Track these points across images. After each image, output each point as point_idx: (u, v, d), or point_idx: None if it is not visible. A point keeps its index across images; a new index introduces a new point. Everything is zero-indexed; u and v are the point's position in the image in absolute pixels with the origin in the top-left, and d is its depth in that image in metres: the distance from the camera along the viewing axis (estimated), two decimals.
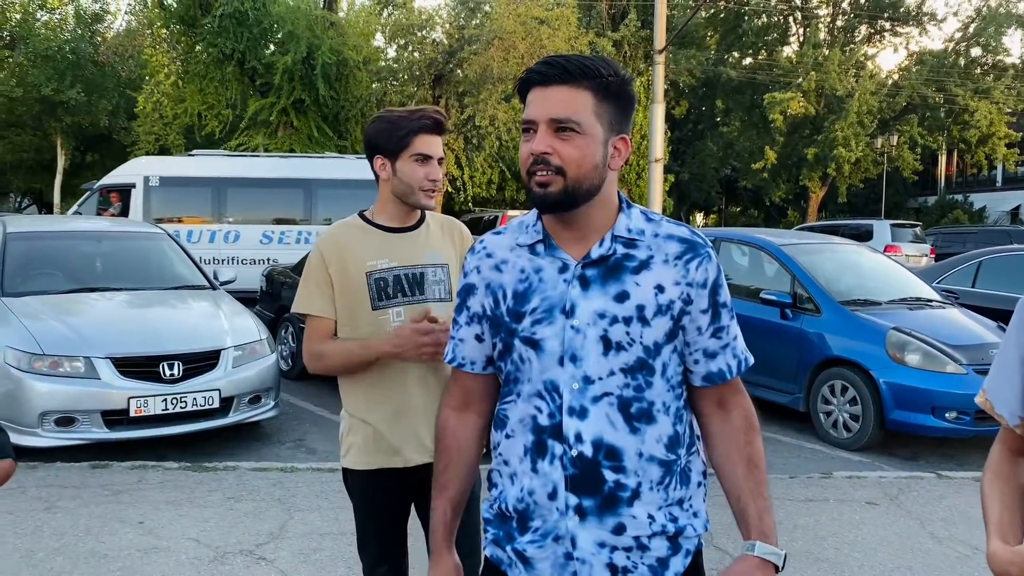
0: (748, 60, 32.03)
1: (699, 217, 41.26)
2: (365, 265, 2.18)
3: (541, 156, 1.43)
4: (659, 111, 18.29)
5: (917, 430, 5.91)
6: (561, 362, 1.46)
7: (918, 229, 20.85)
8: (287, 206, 13.51)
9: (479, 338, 1.58)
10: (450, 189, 24.09)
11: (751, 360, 1.58)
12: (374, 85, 23.47)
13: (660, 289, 1.47)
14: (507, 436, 1.54)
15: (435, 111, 2.24)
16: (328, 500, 4.53)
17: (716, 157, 33.21)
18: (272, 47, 21.29)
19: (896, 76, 29.70)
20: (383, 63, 23.74)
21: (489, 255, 1.57)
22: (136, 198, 12.87)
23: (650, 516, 1.47)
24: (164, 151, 23.71)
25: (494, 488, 1.59)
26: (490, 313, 1.55)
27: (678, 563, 1.50)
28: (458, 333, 1.61)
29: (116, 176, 13.52)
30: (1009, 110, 28.38)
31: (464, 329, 1.60)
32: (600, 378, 1.45)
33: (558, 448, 1.46)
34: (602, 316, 1.45)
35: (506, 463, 1.54)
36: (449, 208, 26.68)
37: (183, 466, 5.05)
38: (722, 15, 31.44)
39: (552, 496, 1.47)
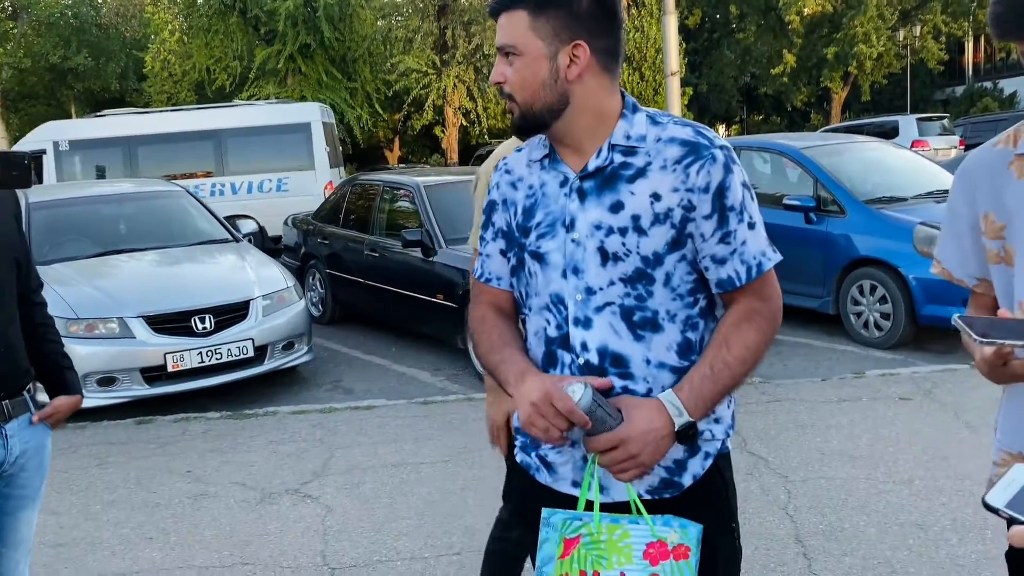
0: None
1: (721, 128, 40.47)
2: None
3: (497, 87, 1.48)
4: (672, 22, 17.76)
5: (950, 323, 5.85)
6: (564, 275, 1.48)
7: (945, 121, 20.29)
8: (198, 160, 13.21)
9: (503, 253, 1.60)
10: (464, 122, 23.86)
11: (767, 265, 1.48)
12: (379, 22, 23.09)
13: (656, 197, 1.43)
14: (528, 350, 1.57)
15: None
16: (368, 436, 4.65)
17: (734, 65, 32.37)
18: None
19: None
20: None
21: (508, 171, 1.60)
22: (48, 164, 12.62)
23: None
24: (177, 108, 23.68)
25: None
26: (507, 228, 1.58)
27: (696, 465, 1.50)
28: (485, 249, 1.63)
29: (26, 143, 13.20)
30: None
31: (491, 245, 1.62)
32: (601, 288, 1.46)
33: (567, 357, 1.49)
34: (598, 227, 1.45)
35: None
36: (466, 142, 26.47)
37: (224, 415, 5.19)
38: None
39: None
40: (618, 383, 1.46)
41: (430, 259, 6.33)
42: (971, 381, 4.99)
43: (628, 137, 1.46)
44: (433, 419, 4.90)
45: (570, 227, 1.47)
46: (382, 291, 6.95)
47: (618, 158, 1.46)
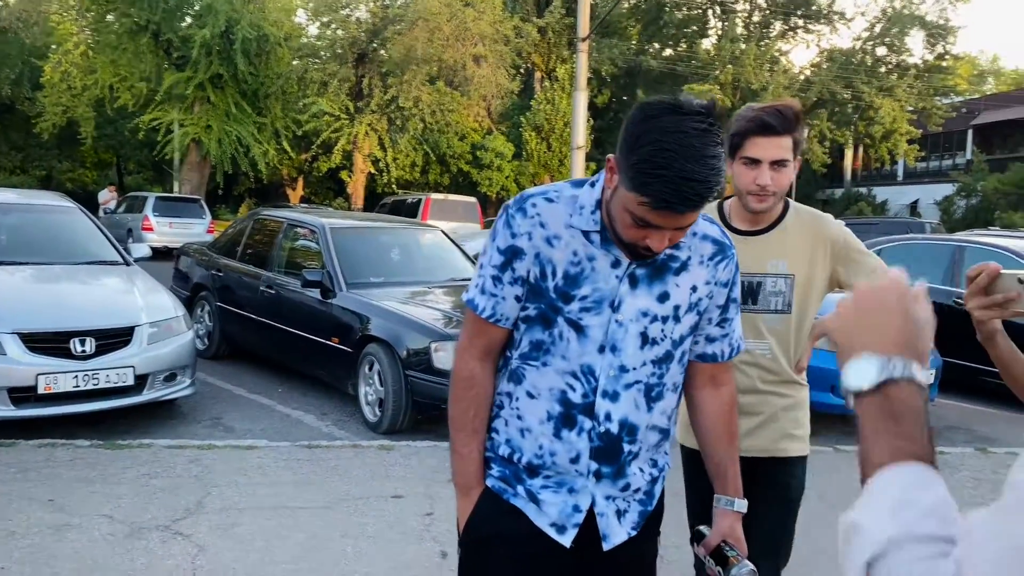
0: (668, 51, 32.63)
1: None
2: None
3: (660, 251, 1.51)
4: (582, 99, 18.50)
5: (819, 408, 6.21)
6: (601, 350, 1.57)
7: None
8: None
9: (518, 299, 1.62)
10: (372, 171, 23.89)
11: (743, 346, 1.76)
12: (295, 62, 23.03)
13: (694, 289, 1.61)
14: (529, 395, 1.62)
15: (771, 110, 2.06)
16: (247, 476, 4.53)
17: None
18: (189, 19, 20.62)
19: (808, 72, 30.75)
20: (305, 40, 23.28)
21: (543, 225, 1.57)
22: None
23: (641, 469, 1.67)
24: (72, 123, 22.75)
25: (495, 433, 1.67)
26: (534, 282, 1.59)
27: (658, 489, 1.73)
28: (501, 291, 1.61)
29: None
30: (910, 108, 29.76)
31: (507, 288, 1.61)
32: (634, 368, 1.59)
33: (587, 424, 1.59)
34: (645, 314, 1.57)
35: (520, 418, 1.63)
36: (372, 190, 26.44)
37: (95, 444, 4.95)
38: (643, 6, 31.92)
39: (574, 461, 1.61)
40: (627, 448, 1.61)
41: (329, 301, 6.30)
42: (834, 464, 5.31)
43: None
44: (316, 464, 4.82)
45: (616, 308, 1.56)
46: (275, 329, 6.83)
47: (668, 251, 1.56)
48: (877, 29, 30.34)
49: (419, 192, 22.44)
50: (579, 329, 1.56)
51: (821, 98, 29.14)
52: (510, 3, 26.97)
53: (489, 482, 1.68)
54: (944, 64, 31.36)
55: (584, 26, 18.22)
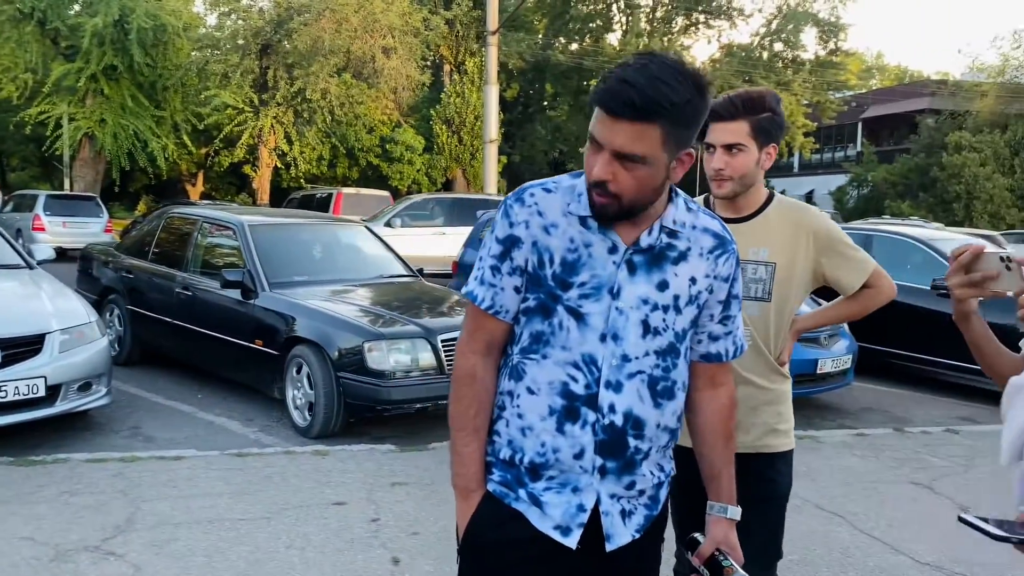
0: (575, 46, 32.98)
1: None
2: None
3: (600, 182, 1.47)
4: (493, 92, 18.49)
5: None
6: (603, 339, 1.55)
7: None
8: None
9: (517, 289, 1.60)
10: (279, 165, 23.25)
11: (746, 347, 1.75)
12: (194, 53, 22.17)
13: (693, 281, 1.59)
14: (529, 391, 1.59)
15: (724, 98, 2.12)
16: (177, 489, 4.31)
17: (545, 140, 34.02)
18: (78, 7, 19.56)
19: (709, 67, 31.62)
20: (204, 30, 22.42)
21: (540, 214, 1.57)
22: None
23: (651, 471, 1.64)
24: None
25: (496, 435, 1.64)
26: (532, 271, 1.57)
27: (663, 493, 1.70)
28: (500, 282, 1.60)
29: None
30: (806, 101, 31.01)
31: (506, 279, 1.60)
32: (636, 357, 1.56)
33: (591, 416, 1.56)
34: (645, 302, 1.56)
35: (521, 416, 1.59)
36: (277, 185, 25.73)
37: (5, 461, 4.61)
38: (549, 0, 32.14)
39: (579, 456, 1.57)
40: (633, 443, 1.57)
41: (250, 302, 6.06)
42: None
43: (674, 222, 1.58)
44: (250, 472, 4.63)
45: (616, 295, 1.54)
46: (193, 333, 6.53)
47: (665, 239, 1.57)
48: (774, 25, 31.46)
49: (328, 186, 21.97)
50: (579, 317, 1.54)
51: (722, 92, 29.96)
52: None
53: (490, 487, 1.64)
54: (836, 60, 32.83)
55: (493, 19, 18.20)
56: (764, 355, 2.17)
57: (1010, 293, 1.53)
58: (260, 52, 21.50)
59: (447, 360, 5.43)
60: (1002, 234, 18.06)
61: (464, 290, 1.65)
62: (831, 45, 32.52)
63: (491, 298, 1.61)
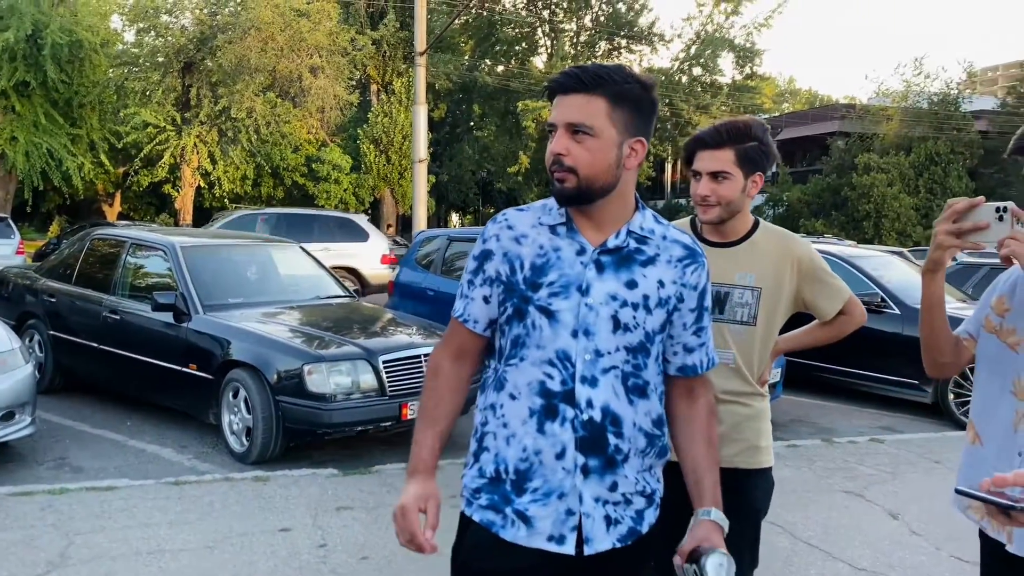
0: (501, 68, 33.30)
1: (455, 217, 42.17)
2: None
3: (556, 157, 1.59)
4: (421, 112, 18.49)
5: None
6: (575, 335, 1.60)
7: None
8: None
9: (486, 300, 1.70)
10: (202, 184, 22.71)
11: (717, 360, 1.81)
12: (111, 71, 21.53)
13: (661, 284, 1.65)
14: (511, 397, 1.64)
15: (711, 127, 2.21)
16: (113, 520, 4.15)
17: (473, 160, 34.15)
18: None
19: None
20: (123, 47, 21.80)
21: (510, 227, 1.69)
22: None
23: (634, 477, 1.67)
24: None
25: (484, 452, 1.68)
26: (504, 279, 1.66)
27: (651, 515, 1.72)
28: (472, 292, 1.71)
29: None
30: None
31: (477, 290, 1.70)
32: (608, 352, 1.61)
33: (569, 412, 1.60)
34: (614, 298, 1.62)
35: (505, 425, 1.65)
36: (200, 204, 25.11)
37: None
38: (475, 23, 32.41)
39: (560, 456, 1.61)
40: (612, 440, 1.61)
41: (183, 325, 5.91)
42: None
43: (642, 228, 1.68)
44: (188, 501, 4.50)
45: (585, 292, 1.61)
46: (122, 358, 6.32)
47: (632, 243, 1.66)
48: (692, 51, 32.40)
49: (253, 207, 21.54)
50: (550, 315, 1.61)
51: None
52: (344, 15, 26.54)
53: (476, 516, 1.67)
54: (751, 84, 33.98)
55: (421, 40, 18.23)
56: (746, 377, 2.23)
57: (990, 247, 1.63)
58: (182, 70, 21.02)
59: (389, 382, 5.40)
60: (909, 251, 18.96)
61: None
62: (747, 70, 33.66)
63: (463, 308, 1.73)
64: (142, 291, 6.47)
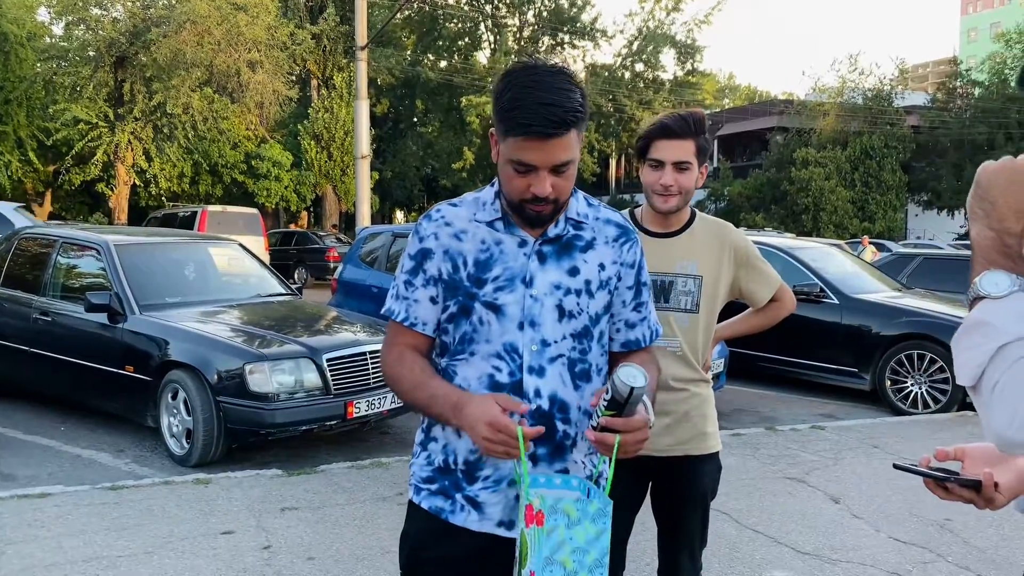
0: (444, 63, 33.15)
1: (400, 214, 41.89)
2: None
3: (550, 199, 1.55)
4: (363, 108, 18.27)
5: None
6: (521, 327, 1.60)
7: None
8: None
9: (434, 300, 1.65)
10: (137, 183, 22.11)
11: (661, 331, 1.79)
12: (39, 65, 20.80)
13: (602, 267, 1.66)
14: (461, 389, 1.61)
15: (675, 116, 2.20)
16: (46, 529, 4.00)
17: (417, 156, 33.96)
18: None
19: None
20: (51, 40, 21.08)
21: (448, 224, 1.65)
22: None
23: (582, 461, 1.67)
24: None
25: (432, 442, 1.67)
26: (447, 277, 1.63)
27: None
28: (414, 294, 1.66)
29: None
30: None
31: (421, 291, 1.65)
32: (555, 341, 1.61)
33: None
34: (557, 287, 1.61)
35: None
36: (135, 203, 24.45)
37: None
38: (417, 17, 32.20)
39: None
40: (560, 427, 1.61)
41: (119, 326, 5.73)
42: None
43: (578, 214, 1.68)
44: (126, 506, 4.36)
45: (529, 283, 1.61)
46: (54, 361, 6.10)
47: (571, 230, 1.66)
48: (635, 47, 32.71)
49: (192, 204, 21.04)
50: (496, 309, 1.60)
51: (594, 111, 30.88)
52: (283, 9, 26.09)
53: (425, 504, 1.66)
54: (693, 80, 34.45)
55: (362, 34, 18.01)
56: (692, 364, 2.28)
57: None
58: (115, 64, 20.38)
59: (333, 380, 5.32)
60: (846, 243, 19.45)
61: (384, 309, 1.70)
62: (688, 66, 34.13)
63: (406, 310, 1.67)
64: (74, 292, 6.26)
